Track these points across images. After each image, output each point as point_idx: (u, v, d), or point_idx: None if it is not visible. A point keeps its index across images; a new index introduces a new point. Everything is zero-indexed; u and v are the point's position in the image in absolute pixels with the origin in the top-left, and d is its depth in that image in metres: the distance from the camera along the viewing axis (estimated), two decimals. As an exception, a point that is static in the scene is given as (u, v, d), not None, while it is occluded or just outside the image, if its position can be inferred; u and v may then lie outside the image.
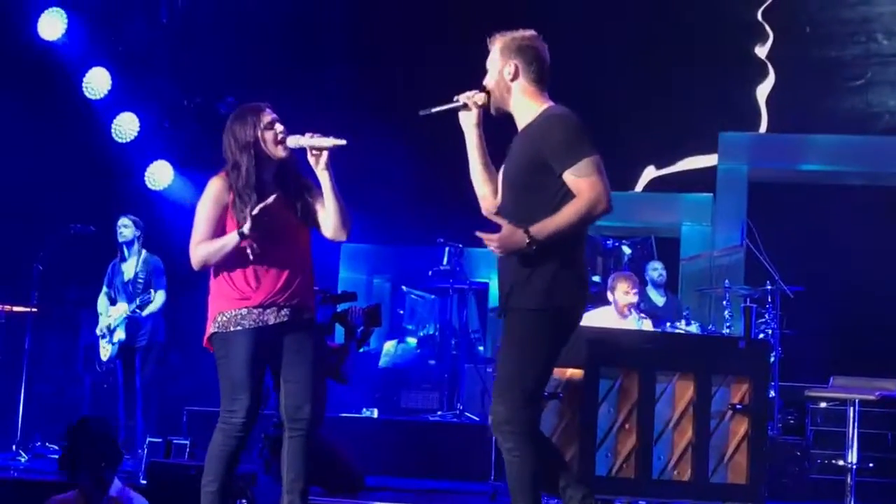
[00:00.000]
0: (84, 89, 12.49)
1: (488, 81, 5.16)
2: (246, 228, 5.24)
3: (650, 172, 14.09)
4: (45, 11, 12.21)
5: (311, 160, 5.33)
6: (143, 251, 10.06)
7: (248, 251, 5.30)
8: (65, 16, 12.22)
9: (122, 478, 6.84)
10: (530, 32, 5.16)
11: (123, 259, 10.06)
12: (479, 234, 4.93)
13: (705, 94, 13.24)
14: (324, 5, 13.80)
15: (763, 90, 13.87)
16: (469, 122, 5.19)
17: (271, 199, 5.23)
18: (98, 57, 12.54)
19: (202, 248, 5.35)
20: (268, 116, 5.39)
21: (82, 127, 12.37)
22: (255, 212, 5.22)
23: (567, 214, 4.85)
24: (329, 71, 13.68)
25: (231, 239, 5.30)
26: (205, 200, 5.41)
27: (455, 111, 5.20)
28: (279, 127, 5.38)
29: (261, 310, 5.30)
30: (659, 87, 13.32)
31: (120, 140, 12.69)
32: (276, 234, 5.35)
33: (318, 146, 5.29)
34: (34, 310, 10.46)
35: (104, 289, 10.13)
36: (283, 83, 12.25)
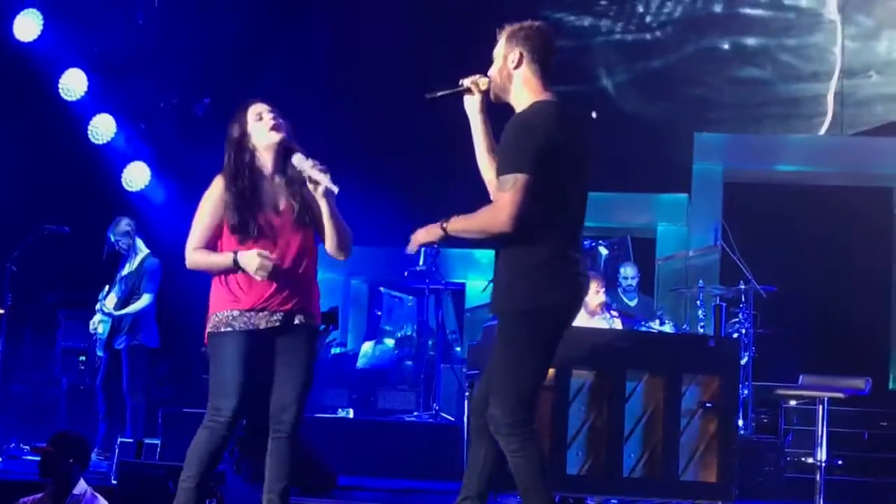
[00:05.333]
0: (60, 90, 12.50)
1: (492, 69, 5.12)
2: (240, 260, 5.21)
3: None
4: (21, 12, 12.23)
5: (310, 186, 5.29)
6: (144, 252, 9.98)
7: None
8: (40, 17, 12.25)
9: (91, 479, 6.86)
10: (539, 22, 5.10)
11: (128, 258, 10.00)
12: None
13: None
14: (301, 4, 13.80)
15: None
16: (473, 108, 5.18)
17: (270, 262, 5.18)
18: (74, 58, 12.54)
19: (195, 257, 5.35)
20: (257, 108, 5.37)
21: (59, 128, 12.36)
22: (257, 265, 5.16)
23: (474, 218, 4.92)
24: (306, 70, 13.66)
25: (223, 261, 5.27)
26: (204, 200, 5.38)
27: (460, 95, 5.18)
28: (267, 116, 5.34)
29: (252, 313, 5.28)
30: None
31: (96, 141, 12.69)
32: (273, 239, 5.33)
33: (314, 179, 5.25)
34: (1, 311, 10.40)
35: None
36: (259, 83, 12.24)
